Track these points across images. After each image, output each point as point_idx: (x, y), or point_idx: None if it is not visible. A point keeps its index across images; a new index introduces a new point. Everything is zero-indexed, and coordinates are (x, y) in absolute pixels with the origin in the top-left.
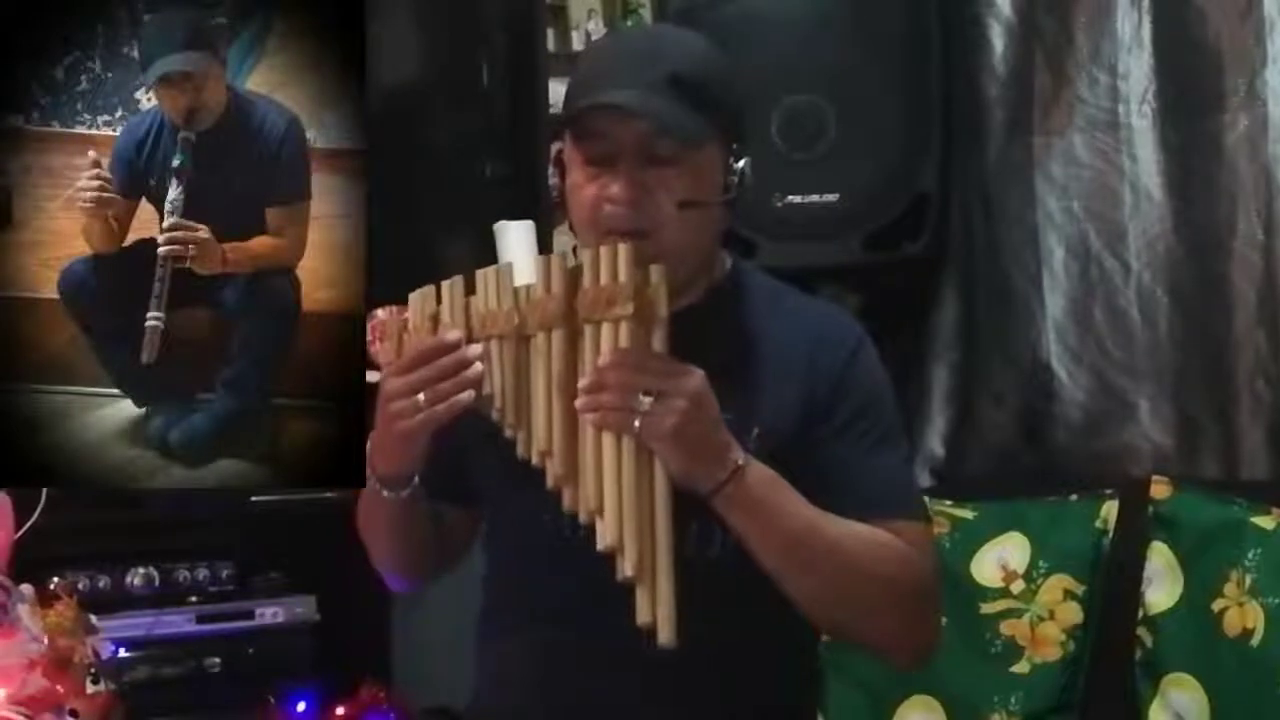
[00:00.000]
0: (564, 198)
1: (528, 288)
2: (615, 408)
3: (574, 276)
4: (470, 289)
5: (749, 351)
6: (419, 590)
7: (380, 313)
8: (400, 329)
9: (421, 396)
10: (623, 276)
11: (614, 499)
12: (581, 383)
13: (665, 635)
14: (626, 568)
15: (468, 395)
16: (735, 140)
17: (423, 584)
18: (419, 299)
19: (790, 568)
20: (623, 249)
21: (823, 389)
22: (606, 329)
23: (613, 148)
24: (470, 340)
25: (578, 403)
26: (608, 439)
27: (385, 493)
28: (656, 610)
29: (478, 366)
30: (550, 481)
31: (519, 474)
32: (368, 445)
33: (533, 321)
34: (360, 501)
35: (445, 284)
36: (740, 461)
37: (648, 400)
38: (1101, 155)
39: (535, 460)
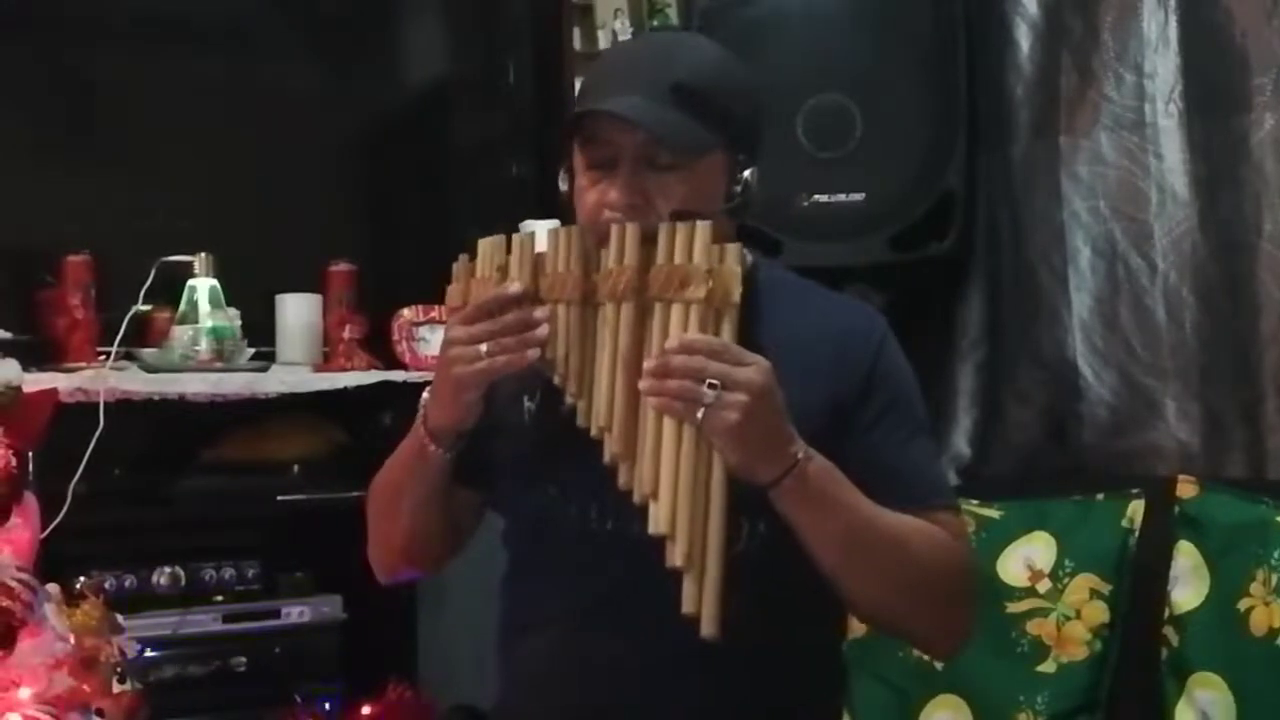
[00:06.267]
0: (573, 201)
1: (600, 254)
2: (679, 396)
3: (648, 249)
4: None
5: (772, 348)
6: (416, 578)
7: (406, 312)
8: (468, 274)
9: (484, 347)
10: (697, 256)
11: (669, 484)
12: (647, 363)
13: (709, 628)
14: (676, 556)
15: (532, 354)
16: (743, 150)
17: (426, 572)
18: (488, 247)
19: (847, 560)
20: (700, 226)
21: (852, 384)
22: (676, 310)
23: (614, 152)
24: (537, 299)
25: (641, 384)
26: (669, 422)
27: (432, 447)
28: (702, 601)
29: (544, 328)
30: (606, 457)
31: (543, 464)
32: (422, 398)
33: (603, 291)
34: (387, 472)
35: (516, 237)
36: (800, 455)
37: (712, 393)
38: (1128, 154)
39: (594, 433)
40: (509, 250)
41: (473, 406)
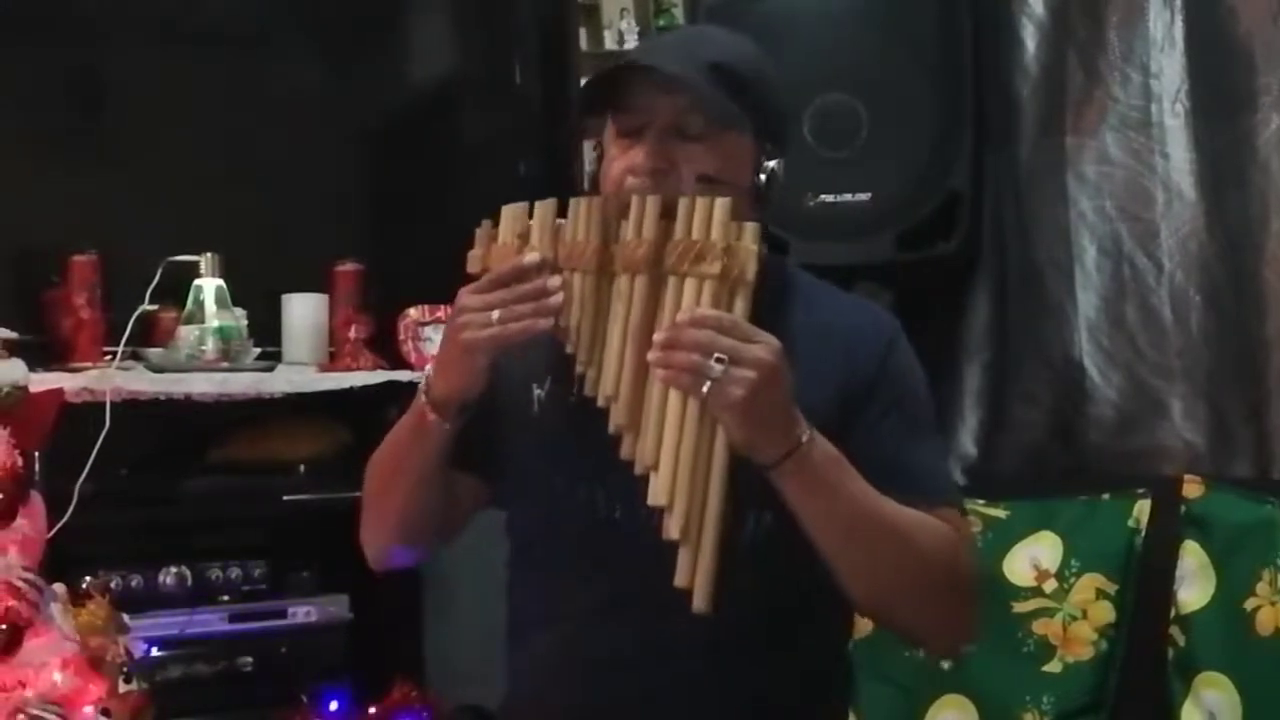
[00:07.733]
0: (599, 180)
1: (620, 225)
2: (686, 368)
3: (667, 224)
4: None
5: (784, 342)
6: (409, 563)
7: (412, 312)
8: (490, 239)
9: (496, 314)
10: (715, 231)
11: (670, 456)
12: (657, 335)
13: (701, 602)
14: (672, 528)
15: (545, 322)
16: (770, 140)
17: (419, 556)
18: (510, 214)
19: (848, 547)
20: (719, 202)
21: (861, 381)
22: (690, 284)
23: (646, 120)
24: (554, 268)
25: (650, 355)
26: (674, 395)
27: (433, 417)
28: (696, 575)
29: (558, 297)
30: (611, 427)
31: (552, 452)
32: (426, 370)
33: (619, 261)
34: (384, 449)
35: (538, 204)
36: (804, 437)
37: (719, 367)
38: (1134, 154)
39: (601, 402)
40: (531, 217)
41: (479, 375)
